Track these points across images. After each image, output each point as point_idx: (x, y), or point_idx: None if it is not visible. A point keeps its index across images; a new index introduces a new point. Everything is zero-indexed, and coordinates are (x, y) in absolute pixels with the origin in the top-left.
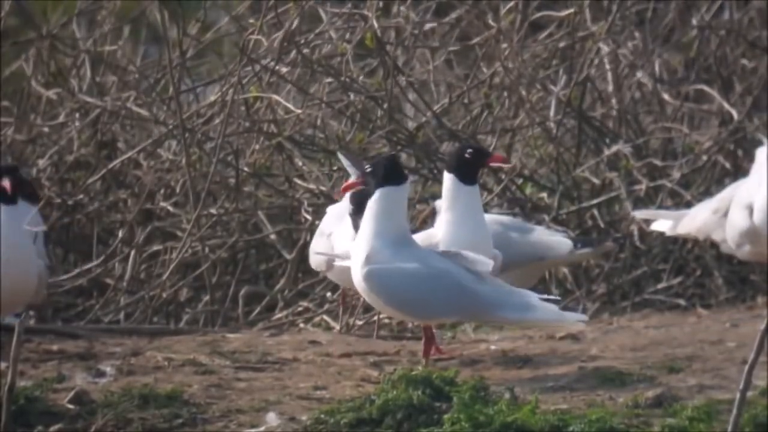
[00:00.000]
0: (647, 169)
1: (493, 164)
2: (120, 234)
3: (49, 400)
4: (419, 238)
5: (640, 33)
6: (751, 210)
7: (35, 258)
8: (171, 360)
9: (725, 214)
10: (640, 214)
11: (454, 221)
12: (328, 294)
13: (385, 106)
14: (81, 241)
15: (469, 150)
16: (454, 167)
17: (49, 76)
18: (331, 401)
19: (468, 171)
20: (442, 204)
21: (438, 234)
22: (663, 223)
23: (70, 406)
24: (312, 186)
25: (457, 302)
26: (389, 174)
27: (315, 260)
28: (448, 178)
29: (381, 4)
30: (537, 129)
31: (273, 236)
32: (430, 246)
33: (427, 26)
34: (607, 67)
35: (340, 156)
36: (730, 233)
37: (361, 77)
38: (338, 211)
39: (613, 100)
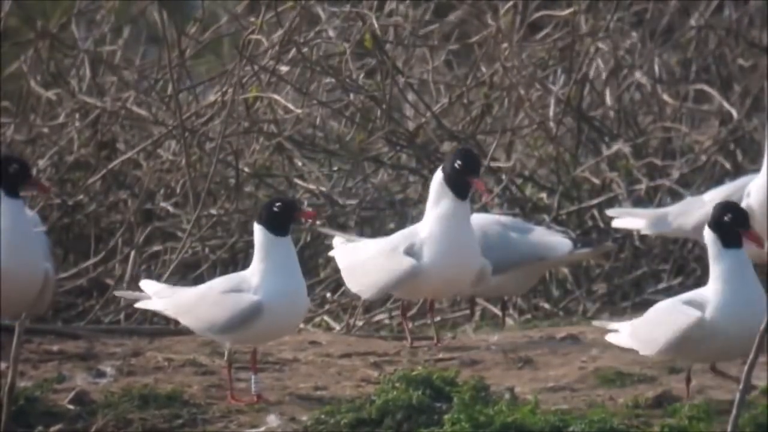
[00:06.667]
0: (647, 168)
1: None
2: (120, 234)
3: (49, 401)
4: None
5: (639, 33)
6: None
7: (40, 253)
8: (171, 360)
9: None
10: (612, 212)
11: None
12: (328, 294)
13: (384, 106)
14: (81, 241)
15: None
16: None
17: (49, 77)
18: (331, 401)
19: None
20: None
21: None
22: (635, 222)
23: (71, 407)
24: (312, 186)
25: None
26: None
27: None
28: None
29: (378, 3)
30: (536, 128)
31: None
32: None
33: (427, 27)
34: (604, 66)
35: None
36: None
37: (360, 77)
38: None
39: (612, 99)
